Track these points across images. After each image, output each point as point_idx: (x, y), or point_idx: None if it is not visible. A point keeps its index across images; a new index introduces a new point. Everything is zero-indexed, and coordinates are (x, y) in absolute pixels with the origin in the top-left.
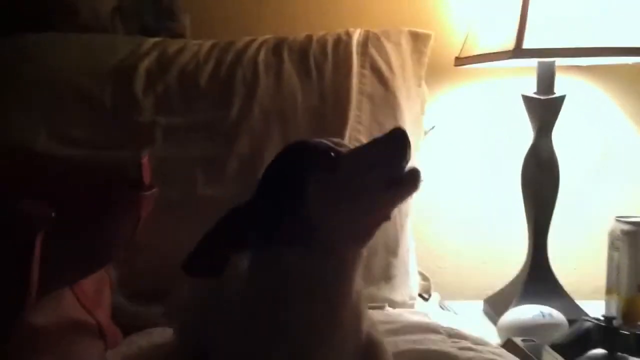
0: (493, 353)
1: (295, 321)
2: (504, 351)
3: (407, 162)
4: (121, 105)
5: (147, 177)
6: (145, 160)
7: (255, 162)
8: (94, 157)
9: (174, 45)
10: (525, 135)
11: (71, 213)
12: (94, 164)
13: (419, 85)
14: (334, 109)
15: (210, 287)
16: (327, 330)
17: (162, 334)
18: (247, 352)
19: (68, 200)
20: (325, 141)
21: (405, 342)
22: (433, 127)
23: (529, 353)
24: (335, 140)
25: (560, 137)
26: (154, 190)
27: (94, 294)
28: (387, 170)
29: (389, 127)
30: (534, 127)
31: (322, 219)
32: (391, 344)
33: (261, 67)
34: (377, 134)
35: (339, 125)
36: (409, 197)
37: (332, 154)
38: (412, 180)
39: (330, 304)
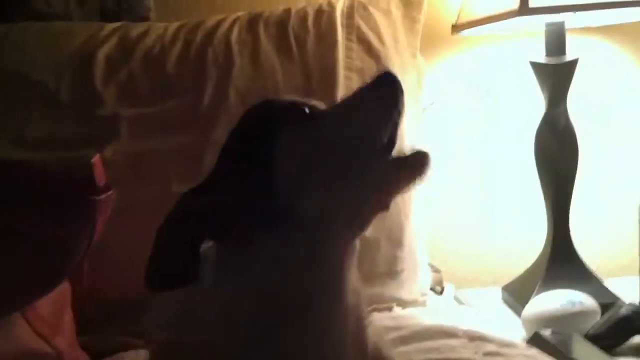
0: (524, 356)
1: (281, 338)
2: (535, 352)
3: (400, 112)
4: (80, 98)
5: (100, 179)
6: (97, 160)
7: None
8: (53, 159)
9: (136, 29)
10: (536, 105)
11: (14, 225)
12: (42, 169)
13: (414, 56)
14: (320, 87)
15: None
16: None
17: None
18: None
19: (11, 210)
20: (296, 97)
21: (419, 351)
22: (432, 103)
23: (560, 348)
24: (313, 101)
25: (576, 104)
26: (109, 192)
27: (52, 317)
28: (377, 123)
29: None
30: (545, 96)
31: (299, 192)
32: (403, 355)
33: (234, 46)
34: None
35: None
36: (413, 184)
37: (306, 109)
38: (418, 162)
39: (320, 307)
